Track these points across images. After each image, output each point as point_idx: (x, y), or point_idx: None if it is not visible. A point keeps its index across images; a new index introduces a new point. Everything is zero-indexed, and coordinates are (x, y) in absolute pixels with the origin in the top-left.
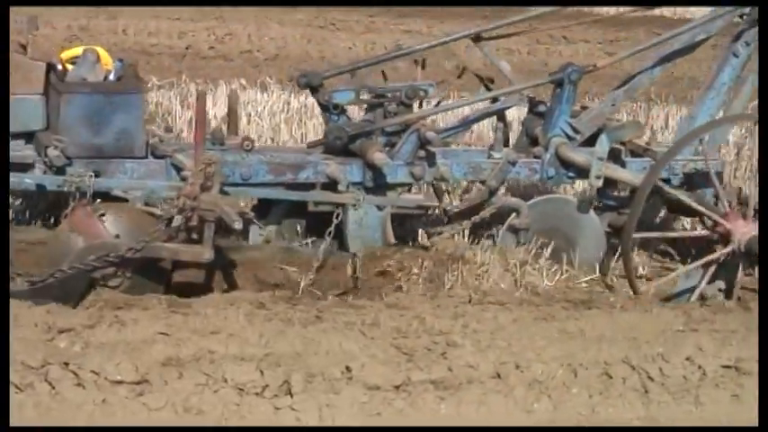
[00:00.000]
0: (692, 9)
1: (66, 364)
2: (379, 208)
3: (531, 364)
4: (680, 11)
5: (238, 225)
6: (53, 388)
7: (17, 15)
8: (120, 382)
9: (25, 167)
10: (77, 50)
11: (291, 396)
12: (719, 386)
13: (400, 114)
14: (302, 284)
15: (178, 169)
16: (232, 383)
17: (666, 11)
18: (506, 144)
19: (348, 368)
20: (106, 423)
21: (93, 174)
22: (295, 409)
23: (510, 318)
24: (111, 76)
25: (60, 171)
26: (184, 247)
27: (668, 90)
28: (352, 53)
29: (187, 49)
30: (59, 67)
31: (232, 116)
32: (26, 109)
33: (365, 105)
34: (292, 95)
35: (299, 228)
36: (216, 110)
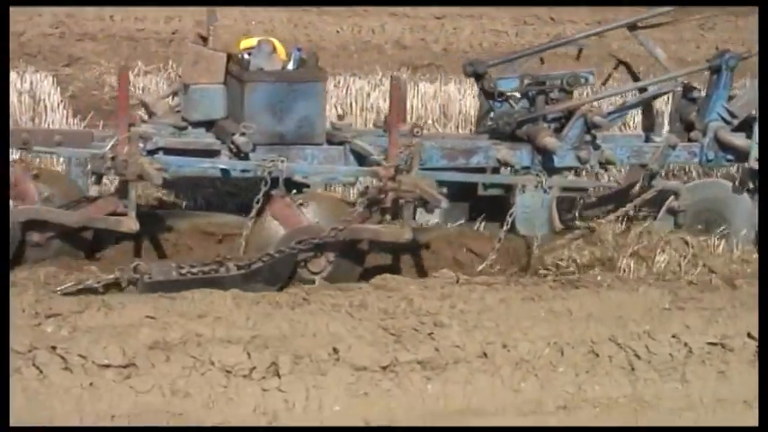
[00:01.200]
0: None
1: (54, 348)
2: (546, 191)
3: (518, 343)
4: None
5: (444, 204)
6: (41, 372)
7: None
8: (107, 366)
9: (211, 154)
10: (252, 41)
11: (279, 377)
12: (706, 363)
13: (561, 101)
14: (484, 264)
15: (357, 155)
16: (219, 366)
17: None
18: (651, 129)
19: (335, 349)
20: (94, 406)
21: (283, 159)
22: (282, 391)
23: (497, 298)
24: (290, 66)
25: (245, 157)
26: (384, 227)
27: (656, 70)
28: (340, 37)
29: (174, 34)
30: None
31: (401, 103)
32: (208, 98)
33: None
34: None
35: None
36: None
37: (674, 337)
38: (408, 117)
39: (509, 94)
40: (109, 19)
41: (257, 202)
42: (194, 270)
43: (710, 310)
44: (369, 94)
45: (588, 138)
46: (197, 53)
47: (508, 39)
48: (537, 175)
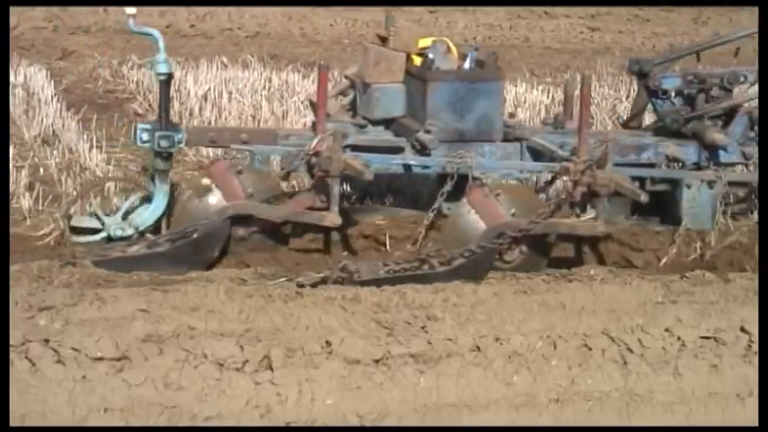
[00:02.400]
0: None
1: (47, 341)
2: (711, 186)
3: (511, 336)
4: None
5: (644, 198)
6: (33, 365)
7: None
8: (100, 359)
9: (395, 151)
10: (427, 42)
11: (272, 371)
12: (698, 357)
13: (722, 98)
14: (663, 260)
15: (533, 151)
16: (212, 359)
17: None
18: None
19: (328, 342)
20: (86, 399)
21: (472, 155)
22: (275, 384)
23: (490, 291)
24: (466, 65)
25: (427, 154)
26: (580, 222)
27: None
28: (334, 30)
29: (168, 27)
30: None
31: (568, 102)
32: (389, 97)
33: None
34: (273, 73)
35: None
36: (197, 88)
37: (666, 330)
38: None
39: (672, 91)
40: (102, 12)
41: (441, 195)
42: (400, 267)
43: (703, 304)
44: None
45: (752, 134)
46: (378, 53)
47: (502, 33)
48: (715, 170)
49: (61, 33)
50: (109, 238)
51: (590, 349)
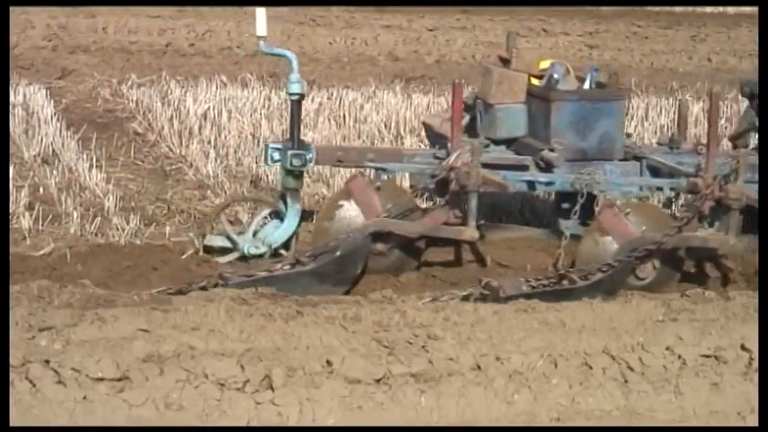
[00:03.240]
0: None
1: (47, 361)
2: None
3: (512, 355)
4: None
5: None
6: (33, 386)
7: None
8: (100, 379)
9: (520, 168)
10: (546, 63)
11: (272, 390)
12: (699, 375)
13: None
14: None
15: (654, 169)
16: (213, 379)
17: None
18: None
19: (329, 362)
20: (87, 420)
21: (600, 173)
22: (276, 404)
23: (491, 310)
24: (586, 85)
25: (549, 172)
26: (711, 235)
27: (648, 81)
28: (333, 49)
29: (167, 46)
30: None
31: (682, 122)
32: (511, 117)
33: None
34: (273, 91)
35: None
36: (196, 107)
37: (667, 348)
38: (401, 129)
39: None
40: (102, 31)
41: (575, 213)
42: (540, 283)
43: (704, 322)
44: (362, 106)
45: None
46: (501, 74)
47: (501, 51)
48: None
49: (61, 53)
50: (243, 257)
51: (591, 368)
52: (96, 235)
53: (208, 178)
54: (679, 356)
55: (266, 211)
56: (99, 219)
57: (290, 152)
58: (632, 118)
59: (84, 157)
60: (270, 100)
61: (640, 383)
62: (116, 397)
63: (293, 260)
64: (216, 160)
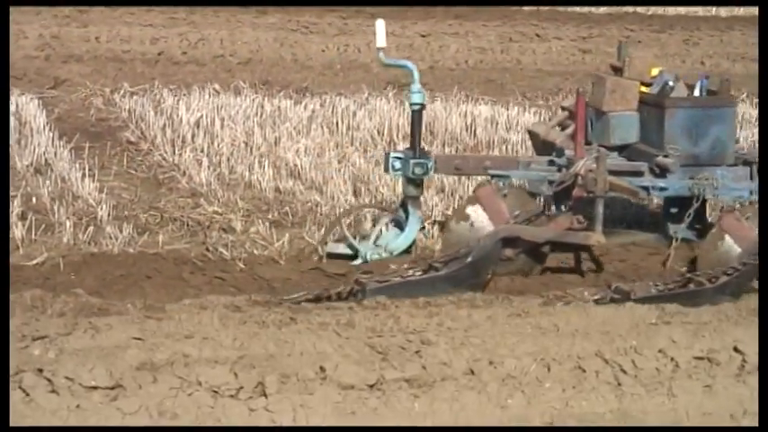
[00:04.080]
0: (666, 5)
1: (41, 370)
2: None
3: (505, 359)
4: (653, 7)
5: None
6: (27, 395)
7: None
8: (94, 388)
9: (634, 174)
10: (655, 71)
11: (266, 397)
12: (692, 377)
13: None
14: None
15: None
16: (206, 386)
17: (639, 7)
18: None
19: (322, 368)
20: (81, 429)
21: (717, 178)
22: (270, 411)
23: (484, 315)
24: (696, 92)
25: (662, 177)
26: None
27: None
28: (325, 56)
29: (160, 55)
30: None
31: None
32: (624, 124)
33: None
34: (266, 99)
35: None
36: (189, 115)
37: (660, 351)
38: (394, 135)
39: None
40: (94, 40)
41: (689, 216)
42: (668, 286)
43: (696, 325)
44: (355, 113)
45: None
46: (614, 82)
47: (494, 56)
48: None
49: (53, 62)
50: (365, 263)
51: (584, 371)
52: (89, 244)
53: (201, 186)
54: (672, 359)
55: (386, 219)
56: (92, 228)
57: (412, 161)
58: None
59: (77, 166)
60: (263, 107)
61: (633, 386)
62: (109, 405)
63: (426, 266)
64: (209, 168)
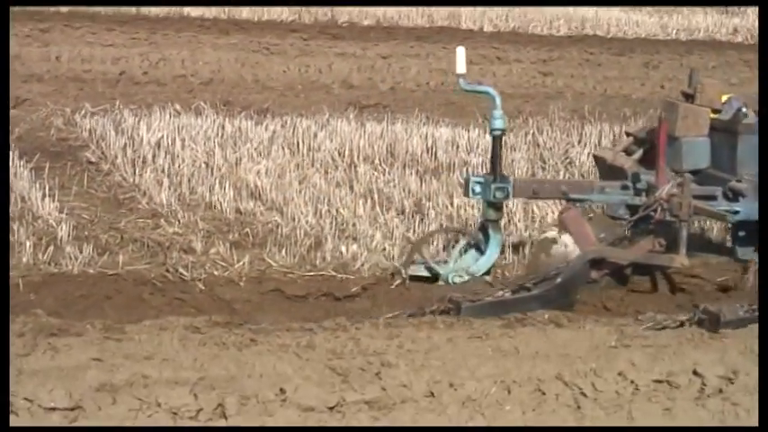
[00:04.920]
0: (626, 28)
1: None
2: None
3: (465, 382)
4: (614, 30)
5: None
6: None
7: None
8: (53, 409)
9: (708, 199)
10: (724, 98)
11: (226, 419)
12: (652, 400)
13: None
14: None
15: None
16: (166, 407)
17: (599, 30)
18: None
19: (282, 390)
20: None
21: None
22: (230, 428)
23: (444, 337)
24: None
25: (735, 201)
26: None
27: (601, 108)
28: (287, 77)
29: (121, 74)
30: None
31: None
32: (696, 149)
33: None
34: (227, 120)
35: None
36: (150, 136)
37: (619, 374)
38: (355, 157)
39: None
40: (55, 60)
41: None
42: (754, 308)
43: (656, 347)
44: (316, 134)
45: None
46: (686, 109)
47: (454, 78)
48: None
49: (14, 82)
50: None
51: (544, 394)
52: (49, 264)
53: (161, 207)
54: (632, 382)
55: (464, 242)
56: (52, 248)
57: (493, 185)
58: (585, 145)
59: (37, 186)
60: (224, 128)
61: (593, 409)
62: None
63: (515, 286)
64: (169, 189)
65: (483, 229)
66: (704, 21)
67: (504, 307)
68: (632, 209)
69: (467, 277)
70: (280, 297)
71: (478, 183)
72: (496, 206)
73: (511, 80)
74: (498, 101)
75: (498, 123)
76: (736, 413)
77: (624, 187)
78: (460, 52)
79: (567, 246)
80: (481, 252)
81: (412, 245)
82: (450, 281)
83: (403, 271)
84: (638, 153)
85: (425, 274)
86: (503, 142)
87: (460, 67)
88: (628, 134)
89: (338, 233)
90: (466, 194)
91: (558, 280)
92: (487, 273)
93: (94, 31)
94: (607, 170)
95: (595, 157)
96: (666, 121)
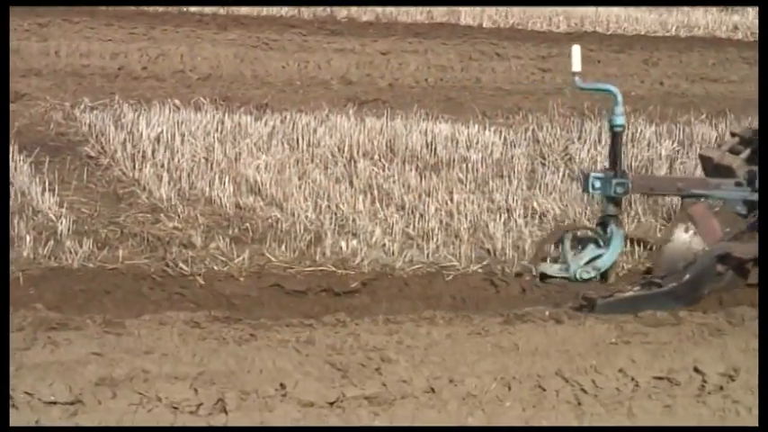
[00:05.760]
0: (625, 25)
1: None
2: None
3: (465, 378)
4: (613, 27)
5: None
6: None
7: None
8: (53, 403)
9: None
10: None
11: (226, 414)
12: (652, 397)
13: None
14: None
15: None
16: (166, 402)
17: (599, 27)
18: None
19: (282, 385)
20: None
21: None
22: (229, 428)
23: (444, 333)
24: None
25: None
26: None
27: (601, 104)
28: (285, 72)
29: (120, 69)
30: None
31: None
32: None
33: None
34: (226, 115)
35: None
36: (149, 131)
37: (620, 371)
38: (354, 152)
39: None
40: (54, 55)
41: None
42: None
43: (656, 344)
44: (315, 130)
45: None
46: None
47: (453, 74)
48: None
49: (12, 76)
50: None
51: (544, 390)
52: (49, 258)
53: (161, 201)
54: (632, 378)
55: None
56: (52, 242)
57: (614, 181)
58: (585, 142)
59: (37, 180)
60: (223, 123)
61: (593, 406)
62: (69, 421)
63: (644, 282)
64: (169, 183)
65: (603, 224)
66: (704, 18)
67: (637, 303)
68: (750, 205)
69: (593, 273)
70: (279, 292)
71: (598, 178)
72: (616, 201)
73: (510, 76)
74: (620, 98)
75: (620, 120)
76: (737, 411)
77: (737, 184)
78: (576, 51)
79: (688, 240)
80: (600, 248)
81: (537, 243)
82: (577, 277)
83: (533, 269)
84: (746, 152)
85: (556, 272)
86: (623, 139)
87: (576, 65)
88: (733, 134)
89: (338, 228)
90: (585, 190)
91: (687, 276)
92: (611, 268)
93: (93, 26)
94: (713, 169)
95: (701, 156)
96: None
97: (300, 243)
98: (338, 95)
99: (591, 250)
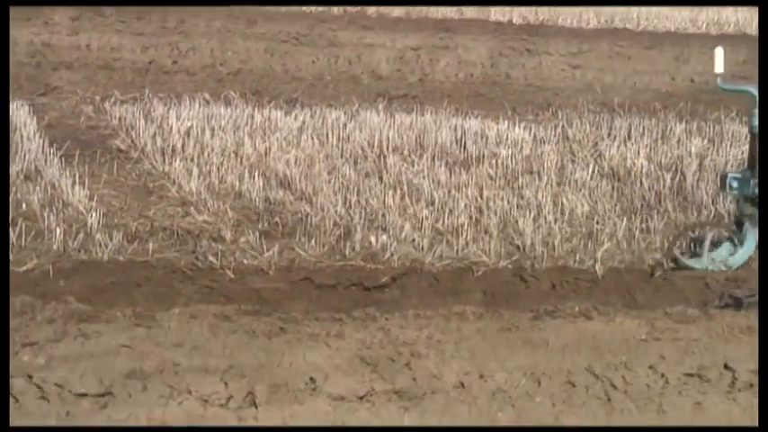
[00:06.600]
0: (656, 22)
1: (30, 377)
2: None
3: (495, 373)
4: (643, 23)
5: None
6: (17, 401)
7: None
8: (83, 395)
9: None
10: None
11: (256, 407)
12: (682, 394)
13: None
14: None
15: None
16: (196, 395)
17: (629, 23)
18: None
19: (312, 379)
20: None
21: None
22: (259, 421)
23: (474, 328)
24: None
25: None
26: None
27: (631, 101)
28: (315, 67)
29: (150, 63)
30: None
31: None
32: None
33: None
34: (256, 109)
35: None
36: (179, 124)
37: (650, 367)
38: (384, 147)
39: None
40: (85, 48)
41: None
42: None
43: (687, 341)
44: (345, 125)
45: None
46: None
47: (483, 70)
48: None
49: (44, 69)
50: None
51: (574, 386)
52: (79, 251)
53: (191, 195)
54: (662, 375)
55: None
56: (82, 235)
57: (752, 181)
58: (614, 138)
59: (67, 173)
60: (253, 118)
61: (623, 402)
62: (99, 413)
63: None
64: (199, 177)
65: (738, 223)
66: (734, 15)
67: None
68: None
69: (725, 269)
70: (309, 286)
71: (736, 179)
72: (753, 201)
73: (540, 72)
74: (757, 100)
75: (756, 121)
76: None
77: None
78: (719, 52)
79: None
80: (735, 246)
81: (693, 238)
82: (708, 271)
83: (664, 262)
84: None
85: (691, 264)
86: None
87: (719, 66)
88: None
89: (367, 223)
90: (722, 189)
91: None
92: (743, 265)
93: (124, 20)
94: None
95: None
96: None
97: (330, 238)
98: (368, 90)
99: (726, 248)
